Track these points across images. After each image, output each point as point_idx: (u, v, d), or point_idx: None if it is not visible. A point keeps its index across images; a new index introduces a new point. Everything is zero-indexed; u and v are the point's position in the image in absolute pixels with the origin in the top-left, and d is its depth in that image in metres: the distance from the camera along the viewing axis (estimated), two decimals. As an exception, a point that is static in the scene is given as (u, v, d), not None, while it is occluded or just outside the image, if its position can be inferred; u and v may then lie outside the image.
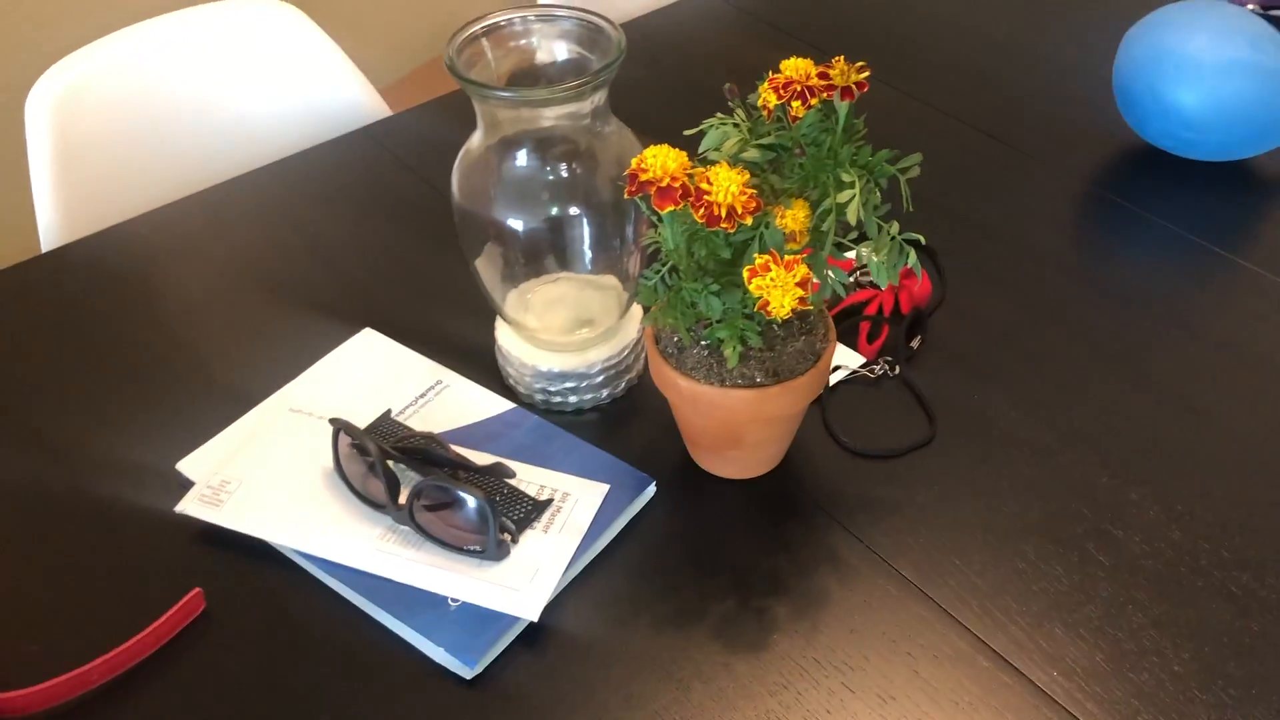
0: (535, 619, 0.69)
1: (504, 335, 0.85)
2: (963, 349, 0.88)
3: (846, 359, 0.86)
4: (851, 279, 0.93)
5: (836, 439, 0.81)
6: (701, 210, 0.63)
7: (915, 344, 0.88)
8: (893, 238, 0.67)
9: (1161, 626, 0.69)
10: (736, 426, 0.74)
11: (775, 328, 0.72)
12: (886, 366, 0.86)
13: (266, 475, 0.78)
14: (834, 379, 0.85)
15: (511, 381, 0.85)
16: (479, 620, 0.69)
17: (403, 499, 0.75)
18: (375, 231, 1.02)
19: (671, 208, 0.63)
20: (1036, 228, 1.00)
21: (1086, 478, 0.78)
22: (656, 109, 1.16)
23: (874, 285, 0.92)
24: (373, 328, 0.91)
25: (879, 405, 0.84)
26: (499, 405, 0.84)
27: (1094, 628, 0.69)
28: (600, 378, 0.83)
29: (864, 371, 0.86)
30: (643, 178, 0.63)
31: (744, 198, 0.63)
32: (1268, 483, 0.77)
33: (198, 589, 0.71)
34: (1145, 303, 0.92)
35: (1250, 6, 1.24)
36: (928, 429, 0.82)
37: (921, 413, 0.83)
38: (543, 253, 0.78)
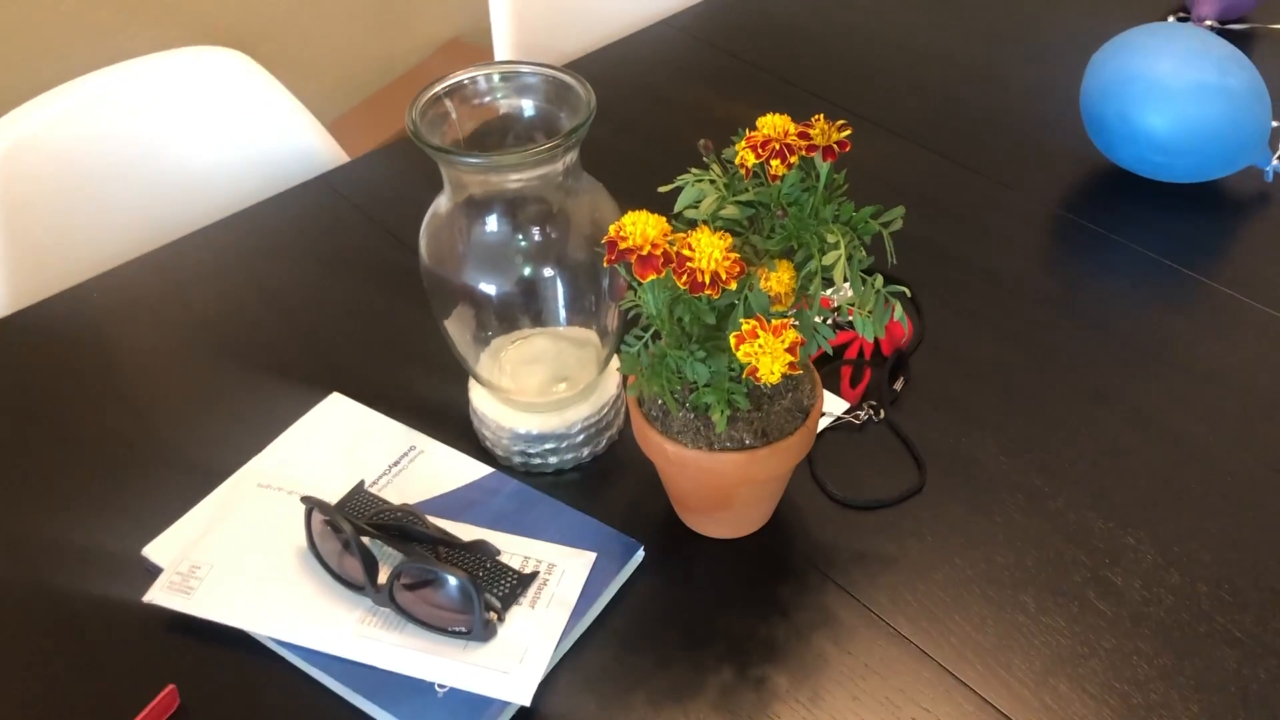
0: (528, 703, 0.66)
1: (478, 396, 0.82)
2: (946, 389, 0.87)
3: (830, 405, 0.85)
4: (829, 321, 0.91)
5: (825, 490, 0.79)
6: (684, 277, 0.61)
7: (898, 386, 0.87)
8: (877, 291, 0.66)
9: (1168, 678, 0.68)
10: (726, 489, 0.71)
11: (762, 387, 0.70)
12: (871, 411, 0.84)
13: (237, 558, 0.75)
14: (819, 426, 0.83)
15: (488, 444, 0.83)
16: (468, 706, 0.67)
17: (382, 578, 0.72)
18: (338, 287, 0.99)
19: (654, 276, 0.61)
20: (1011, 257, 0.99)
21: (1081, 522, 0.77)
22: (615, 153, 1.14)
23: (852, 326, 0.91)
24: (340, 392, 0.87)
25: (866, 452, 0.82)
26: (477, 470, 0.81)
27: (1100, 682, 0.67)
28: (581, 437, 0.81)
29: (848, 418, 0.84)
30: (622, 246, 0.61)
31: (727, 263, 0.61)
32: (1262, 519, 0.76)
33: (171, 685, 0.68)
34: (1128, 333, 0.91)
35: (1208, 23, 1.24)
36: (917, 476, 0.80)
37: (909, 458, 0.82)
38: (516, 313, 0.76)
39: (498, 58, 1.36)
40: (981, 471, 0.80)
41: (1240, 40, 1.25)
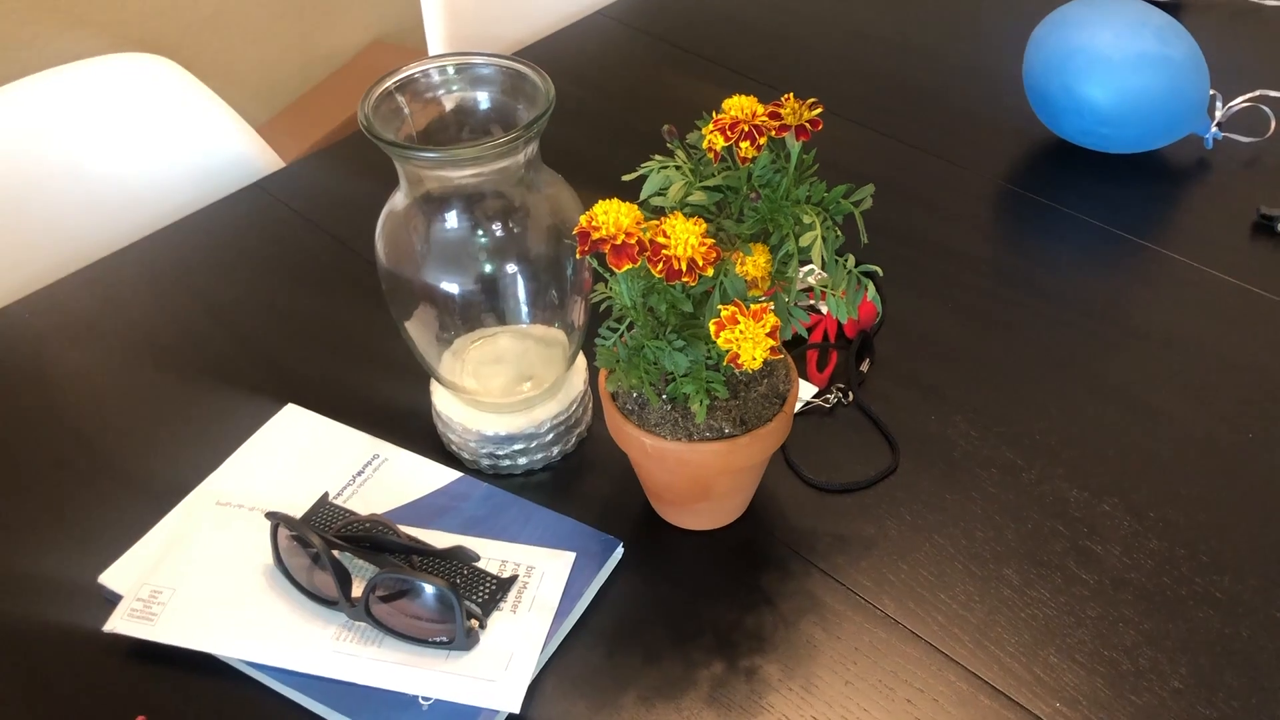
0: (517, 710, 0.65)
1: (442, 399, 0.80)
2: (911, 368, 0.86)
3: (800, 390, 0.84)
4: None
5: (801, 475, 0.79)
6: (661, 265, 0.59)
7: (864, 367, 0.86)
8: (849, 272, 0.65)
9: (1155, 642, 0.68)
10: (706, 479, 0.70)
11: (738, 375, 0.69)
12: (840, 394, 0.84)
13: (201, 580, 0.72)
14: (788, 412, 0.83)
15: (454, 448, 0.81)
16: (455, 717, 0.65)
17: (356, 592, 0.70)
18: (284, 294, 0.95)
19: (629, 265, 0.59)
20: (963, 234, 0.99)
21: (1056, 493, 0.77)
22: (565, 145, 1.12)
23: (815, 310, 0.90)
24: (295, 403, 0.85)
25: (838, 435, 0.82)
26: (444, 475, 0.79)
27: (1088, 651, 0.68)
28: (550, 435, 0.79)
29: (818, 401, 0.83)
30: (595, 236, 0.60)
31: (703, 249, 0.59)
32: (1230, 479, 0.77)
33: (141, 717, 0.65)
34: (1082, 303, 0.92)
35: (1138, -6, 1.25)
36: (890, 456, 0.80)
37: (880, 439, 0.81)
38: (479, 312, 0.74)
39: (431, 53, 1.33)
40: (953, 448, 0.80)
41: (1170, 11, 1.27)
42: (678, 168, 0.66)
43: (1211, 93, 1.05)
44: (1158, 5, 1.26)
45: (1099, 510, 0.76)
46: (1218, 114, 1.05)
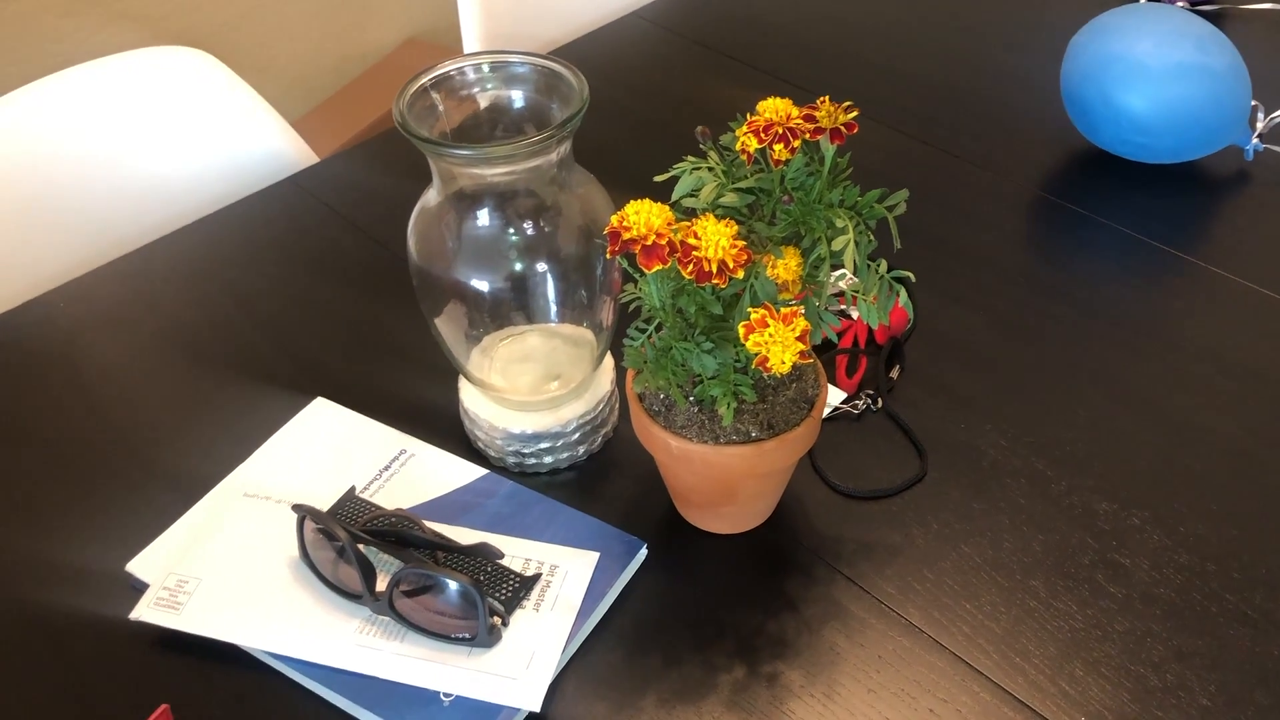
0: (538, 709, 0.65)
1: (469, 396, 0.80)
2: (942, 376, 0.86)
3: (829, 396, 0.83)
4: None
5: (827, 481, 0.78)
6: (691, 266, 0.59)
7: (894, 374, 0.86)
8: (881, 277, 0.65)
9: (1183, 658, 0.67)
10: (731, 483, 0.70)
11: (766, 379, 0.69)
12: (869, 400, 0.83)
13: (227, 571, 0.72)
14: (816, 417, 0.82)
15: (481, 445, 0.81)
16: (476, 714, 0.65)
17: (380, 586, 0.70)
18: (315, 289, 0.96)
19: (659, 266, 0.59)
20: (998, 241, 0.98)
21: (1085, 504, 0.76)
22: (597, 145, 1.12)
23: (846, 315, 0.90)
24: (325, 396, 0.85)
25: (866, 442, 0.81)
26: (470, 472, 0.79)
27: (1115, 665, 0.67)
28: (576, 435, 0.79)
29: (847, 407, 0.83)
30: (626, 236, 0.59)
31: (734, 251, 0.59)
32: (1264, 495, 0.76)
33: (164, 705, 0.65)
34: (1117, 313, 0.91)
35: (1180, 4, 1.24)
36: (918, 464, 0.79)
37: (909, 446, 0.81)
38: (508, 310, 0.74)
39: (467, 51, 1.33)
40: (982, 457, 0.80)
41: (1212, 20, 1.26)
42: (710, 169, 0.66)
43: (1253, 103, 1.03)
44: (1200, 14, 1.25)
45: (1128, 523, 0.75)
46: (1259, 125, 1.04)
